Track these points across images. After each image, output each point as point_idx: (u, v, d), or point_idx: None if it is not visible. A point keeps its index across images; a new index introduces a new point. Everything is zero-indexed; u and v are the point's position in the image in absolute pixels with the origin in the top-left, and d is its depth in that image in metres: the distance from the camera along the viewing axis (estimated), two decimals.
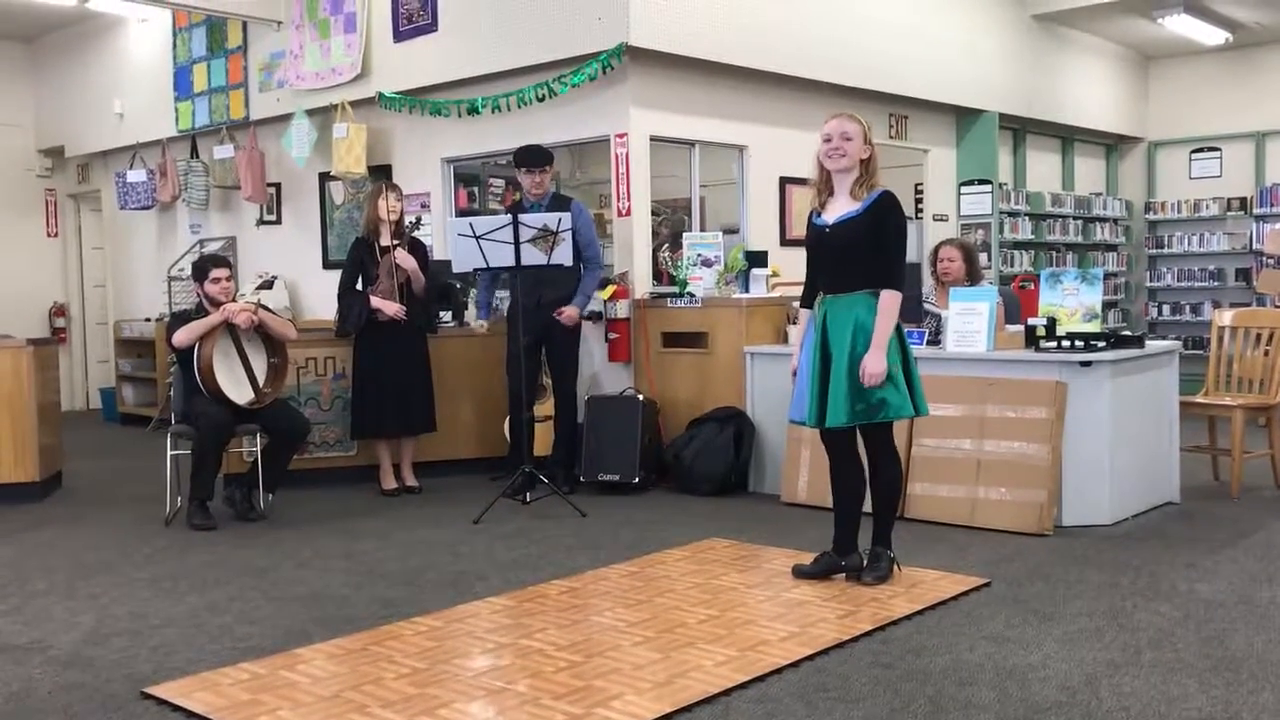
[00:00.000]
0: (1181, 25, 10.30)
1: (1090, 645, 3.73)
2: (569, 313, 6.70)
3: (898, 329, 4.39)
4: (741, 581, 4.60)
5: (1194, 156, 11.91)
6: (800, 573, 4.60)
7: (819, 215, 4.52)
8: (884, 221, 4.37)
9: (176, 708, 3.35)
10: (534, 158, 6.70)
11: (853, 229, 4.38)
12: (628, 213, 7.44)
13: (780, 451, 6.34)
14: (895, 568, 4.57)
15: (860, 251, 4.37)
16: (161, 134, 10.58)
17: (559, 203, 6.70)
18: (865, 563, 4.55)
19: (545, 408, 6.93)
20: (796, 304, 6.80)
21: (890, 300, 4.33)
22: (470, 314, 7.52)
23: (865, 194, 4.39)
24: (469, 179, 8.89)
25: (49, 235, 12.51)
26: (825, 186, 4.50)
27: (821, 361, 4.41)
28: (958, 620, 4.03)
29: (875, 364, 4.28)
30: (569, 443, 6.78)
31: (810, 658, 3.65)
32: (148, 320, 10.79)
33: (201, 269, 6.23)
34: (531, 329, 6.46)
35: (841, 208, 4.44)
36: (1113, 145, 12.23)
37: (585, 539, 5.48)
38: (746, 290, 7.09)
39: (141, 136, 10.79)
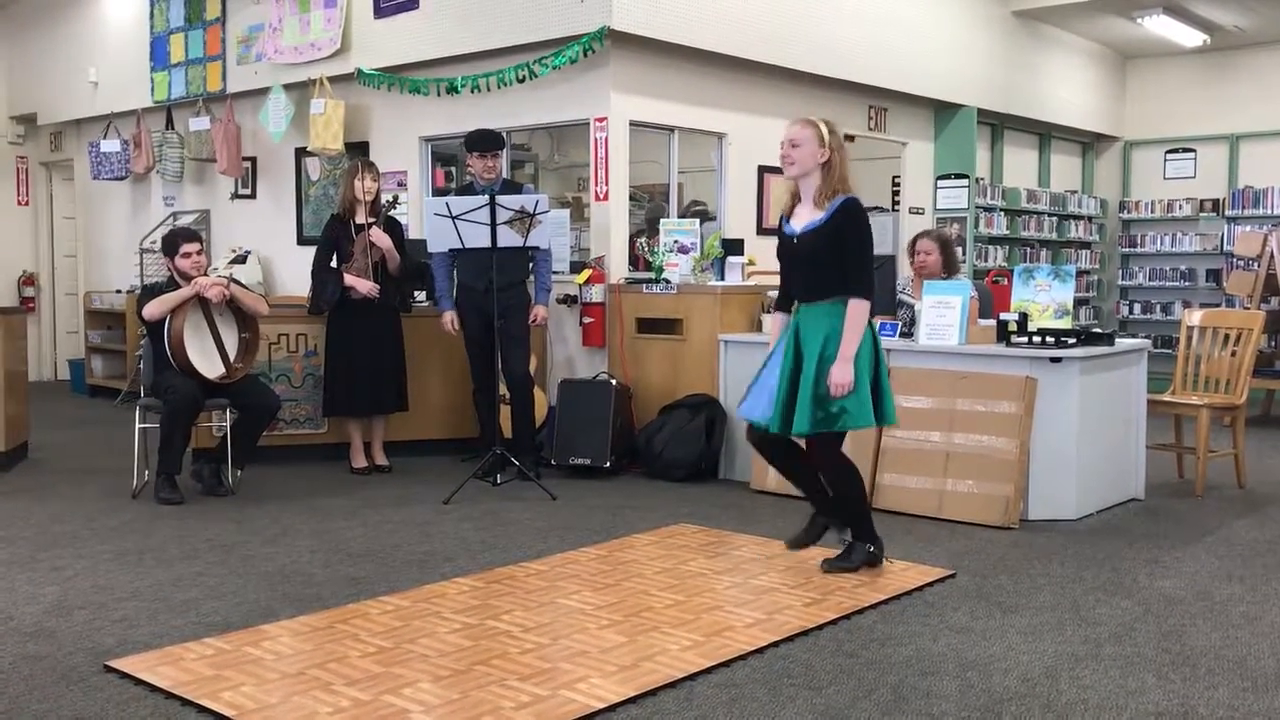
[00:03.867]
0: (1160, 26, 10.37)
1: (1052, 638, 3.77)
2: (541, 314, 6.71)
3: (873, 338, 4.36)
4: (709, 567, 4.62)
5: (1169, 157, 12.00)
6: (794, 544, 4.66)
7: (788, 222, 4.49)
8: (845, 230, 4.30)
9: (139, 681, 3.33)
10: (487, 142, 6.65)
11: (817, 239, 4.33)
12: (605, 197, 7.43)
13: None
14: (876, 560, 4.55)
15: (826, 262, 4.32)
16: (137, 104, 10.47)
17: (510, 189, 6.66)
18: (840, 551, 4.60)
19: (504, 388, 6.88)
20: (773, 293, 6.85)
21: (857, 310, 4.27)
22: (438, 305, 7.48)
23: (827, 202, 4.32)
24: (447, 158, 8.85)
25: (19, 203, 12.36)
26: (795, 190, 4.47)
27: (793, 368, 4.37)
28: (922, 611, 4.07)
29: (842, 374, 4.24)
30: (526, 425, 6.74)
31: (775, 644, 3.67)
32: (119, 292, 10.69)
33: (171, 243, 6.17)
34: (482, 313, 6.43)
35: (807, 215, 4.40)
36: (1089, 143, 12.31)
37: (555, 522, 5.49)
38: (722, 278, 7.10)
39: (116, 106, 10.67)
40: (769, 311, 6.67)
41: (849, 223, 4.31)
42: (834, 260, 4.31)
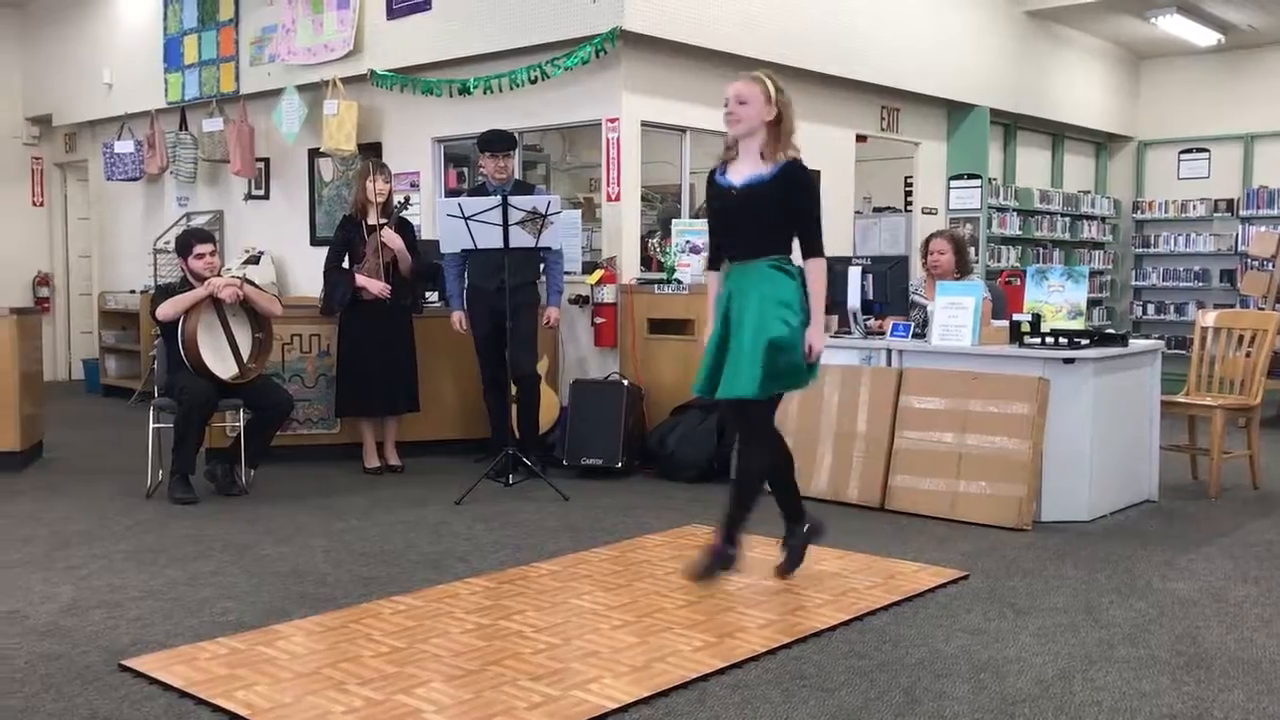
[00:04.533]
0: (1174, 25, 10.33)
1: (1065, 640, 3.76)
2: (553, 316, 6.73)
3: (805, 295, 4.15)
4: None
5: (1183, 157, 11.96)
6: (785, 570, 4.44)
7: (723, 174, 4.25)
8: (796, 188, 4.13)
9: (153, 680, 3.35)
10: (500, 142, 6.66)
11: (762, 194, 4.12)
12: (617, 198, 7.43)
13: None
14: (818, 531, 4.48)
15: (769, 217, 4.13)
16: (150, 105, 10.51)
17: (522, 190, 6.67)
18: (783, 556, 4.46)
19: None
20: None
21: (818, 270, 4.16)
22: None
23: (774, 158, 4.13)
24: (459, 159, 8.87)
25: (35, 204, 12.43)
26: (733, 145, 4.24)
27: (722, 331, 4.18)
28: (935, 612, 4.06)
29: (818, 340, 4.12)
30: (531, 425, 6.75)
31: (787, 646, 3.66)
32: (133, 292, 10.73)
33: (185, 244, 6.19)
34: (494, 312, 6.44)
35: (748, 169, 4.17)
36: (1102, 144, 12.27)
37: (566, 522, 5.49)
38: None
39: (130, 107, 10.72)
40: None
41: (800, 183, 4.15)
42: (779, 218, 4.14)
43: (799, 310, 4.11)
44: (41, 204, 12.48)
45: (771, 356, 4.04)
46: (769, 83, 4.17)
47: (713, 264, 4.41)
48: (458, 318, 6.73)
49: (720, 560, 4.25)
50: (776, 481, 4.42)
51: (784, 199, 4.12)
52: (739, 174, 4.20)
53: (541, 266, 6.73)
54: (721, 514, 4.33)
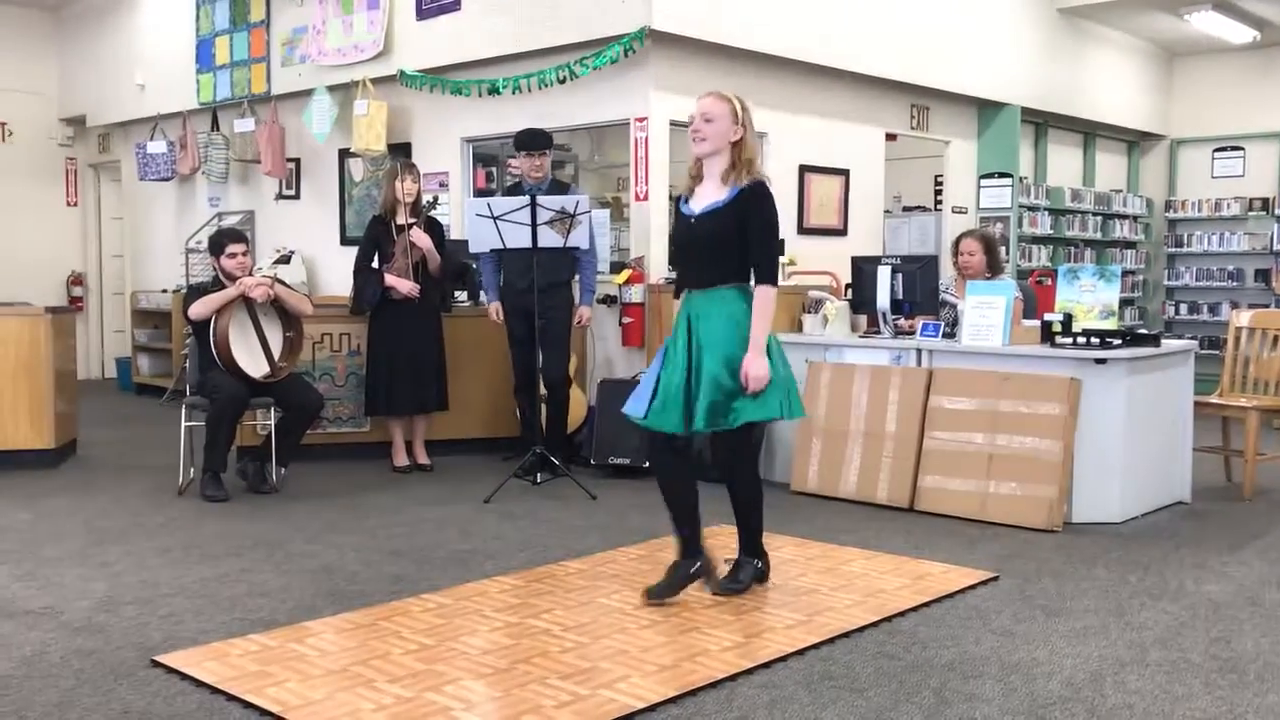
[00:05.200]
0: (1209, 23, 10.23)
1: (1096, 642, 3.73)
2: (586, 316, 6.75)
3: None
4: None
5: (1216, 155, 11.84)
6: (655, 594, 4.10)
7: (686, 203, 4.16)
8: (750, 214, 3.99)
9: (185, 676, 3.38)
10: (534, 141, 6.67)
11: (719, 221, 4.01)
12: (645, 197, 7.43)
13: (791, 440, 6.34)
14: (763, 576, 4.30)
15: (727, 245, 4.01)
16: (182, 106, 10.61)
17: (558, 189, 6.68)
18: (729, 570, 4.27)
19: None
20: (814, 293, 6.83)
21: (765, 297, 4.00)
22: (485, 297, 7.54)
23: (734, 183, 4.02)
24: (488, 159, 8.89)
25: (69, 204, 12.56)
26: (697, 171, 4.13)
27: (689, 363, 4.04)
28: (964, 614, 4.04)
29: (758, 367, 3.94)
30: (558, 426, 6.77)
31: (816, 646, 3.66)
32: (165, 292, 10.83)
33: (217, 244, 6.25)
34: (526, 312, 6.45)
35: (709, 196, 4.07)
36: (1134, 142, 12.16)
37: (594, 521, 5.50)
38: None
39: (162, 108, 10.82)
40: (809, 312, 6.66)
41: (755, 205, 4.00)
42: (734, 245, 4.00)
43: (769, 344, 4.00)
44: (75, 204, 12.61)
45: (730, 390, 3.97)
46: (735, 102, 4.06)
47: (677, 294, 4.28)
48: (494, 308, 6.78)
49: (754, 575, 4.27)
50: (689, 506, 4.21)
51: (740, 223, 4.00)
52: (700, 202, 4.10)
53: (576, 266, 6.74)
54: (741, 538, 4.31)
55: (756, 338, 3.98)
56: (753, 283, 4.07)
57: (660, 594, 4.10)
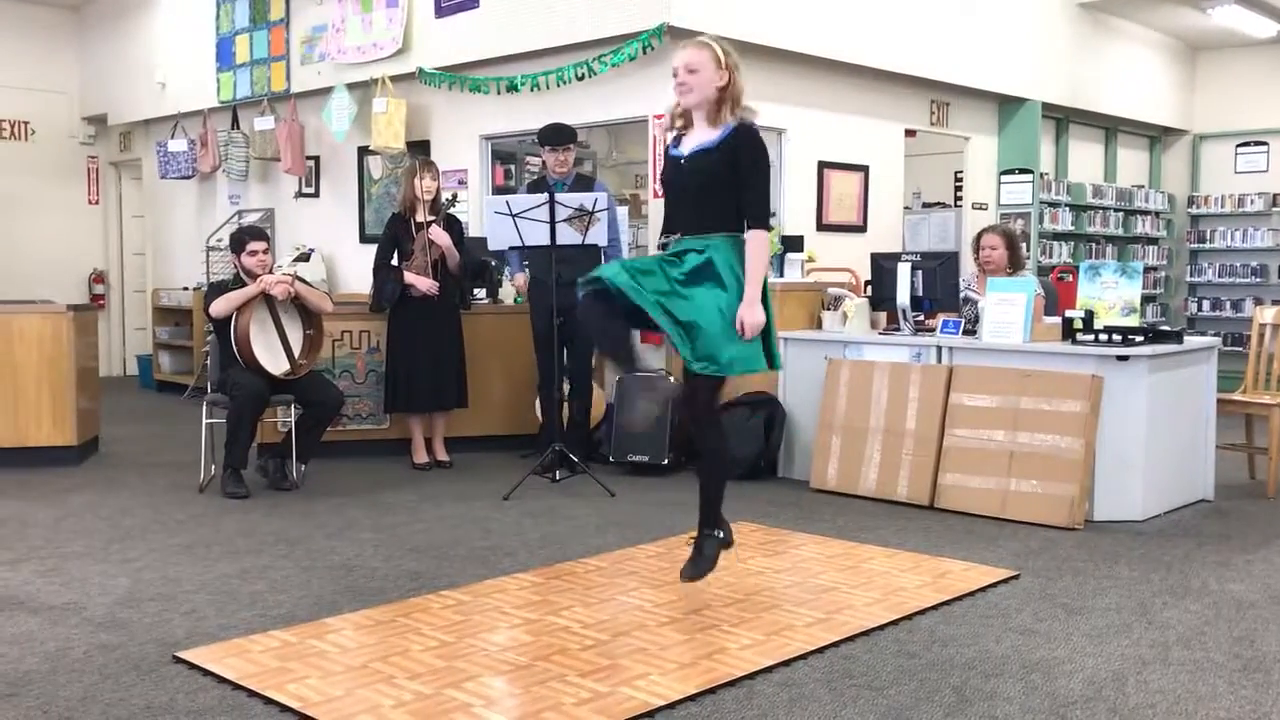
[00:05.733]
0: (1231, 16, 10.14)
1: (1118, 641, 3.71)
2: None
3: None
4: (768, 566, 4.60)
5: (1240, 150, 11.74)
6: (690, 575, 4.04)
7: (675, 146, 4.07)
8: (740, 153, 3.89)
9: (207, 672, 3.39)
10: (558, 135, 6.68)
11: (709, 161, 3.91)
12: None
13: (810, 438, 6.32)
14: (728, 543, 4.11)
15: (718, 186, 3.91)
16: (203, 104, 10.66)
17: (582, 183, 6.69)
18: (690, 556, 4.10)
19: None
20: (833, 290, 6.81)
21: (759, 242, 3.90)
22: (506, 290, 7.56)
23: (723, 122, 3.93)
24: (506, 156, 8.90)
25: (90, 202, 12.64)
26: (683, 117, 4.06)
27: (672, 265, 3.89)
28: (985, 612, 4.02)
29: (753, 314, 3.83)
30: (580, 425, 6.79)
31: (836, 644, 3.65)
32: (185, 289, 10.89)
33: (239, 241, 6.28)
34: (551, 308, 6.44)
35: (699, 138, 3.98)
36: (1157, 137, 12.08)
37: (613, 518, 5.50)
38: (781, 275, 7.07)
39: (183, 106, 10.87)
40: (828, 309, 6.64)
41: (746, 146, 3.90)
42: (726, 188, 3.91)
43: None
44: (97, 202, 12.69)
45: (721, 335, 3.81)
46: (717, 47, 3.95)
47: (664, 234, 4.17)
48: (520, 279, 6.87)
49: (718, 546, 4.09)
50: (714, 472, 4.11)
51: (730, 163, 3.91)
52: (689, 144, 4.02)
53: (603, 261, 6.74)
54: (701, 508, 4.11)
55: (750, 285, 3.86)
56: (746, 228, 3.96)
57: (699, 573, 4.02)
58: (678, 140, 4.09)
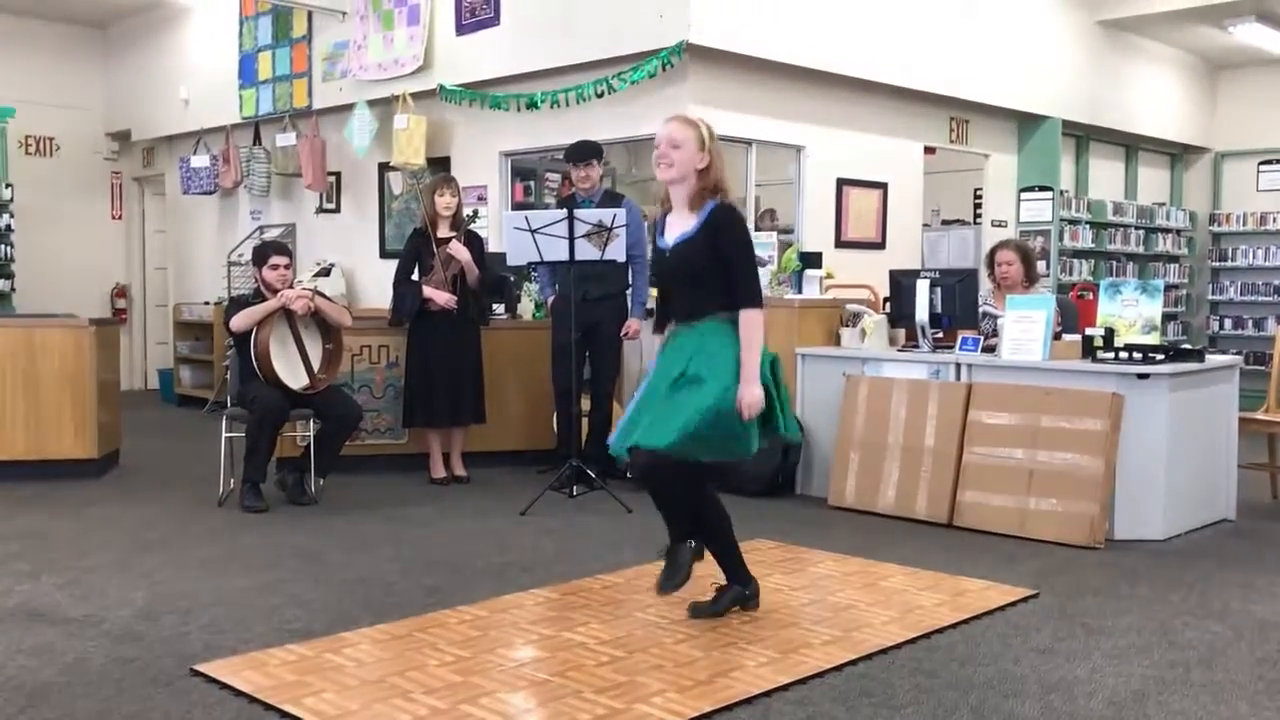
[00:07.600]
0: (1253, 34, 10.11)
1: (1139, 661, 3.68)
2: (634, 328, 6.75)
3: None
4: (785, 583, 4.58)
5: (1262, 168, 11.68)
6: (700, 612, 4.09)
7: (661, 235, 4.07)
8: (720, 238, 3.89)
9: (224, 686, 3.40)
10: (583, 152, 6.70)
11: (693, 250, 3.92)
12: None
13: (829, 455, 6.31)
14: (746, 599, 4.14)
15: (704, 274, 3.90)
16: (225, 120, 10.74)
17: (611, 199, 6.71)
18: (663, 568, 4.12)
19: (584, 403, 6.94)
20: (851, 306, 6.80)
21: (752, 321, 3.85)
22: (524, 306, 7.59)
23: (699, 208, 3.93)
24: (526, 173, 8.94)
25: (113, 217, 12.75)
26: (666, 199, 4.06)
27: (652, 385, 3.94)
28: (1004, 631, 3.99)
29: (751, 394, 3.79)
30: (598, 443, 6.76)
31: (852, 663, 3.63)
32: (207, 304, 10.96)
33: (261, 255, 6.32)
34: (577, 324, 6.46)
35: (680, 225, 3.98)
36: (1178, 155, 12.03)
37: (630, 534, 5.49)
38: (799, 291, 7.06)
39: (206, 122, 10.96)
40: (846, 325, 6.63)
41: (725, 229, 3.90)
42: (710, 274, 3.90)
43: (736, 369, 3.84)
44: (120, 217, 12.79)
45: (707, 419, 3.79)
46: (703, 128, 3.96)
47: (658, 327, 4.20)
48: (551, 300, 6.89)
49: (740, 600, 4.16)
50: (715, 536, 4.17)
51: (712, 246, 3.90)
52: (672, 232, 4.02)
53: (629, 277, 6.74)
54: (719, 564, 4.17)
55: (747, 365, 3.83)
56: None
57: (674, 585, 4.06)
58: (662, 228, 4.09)
